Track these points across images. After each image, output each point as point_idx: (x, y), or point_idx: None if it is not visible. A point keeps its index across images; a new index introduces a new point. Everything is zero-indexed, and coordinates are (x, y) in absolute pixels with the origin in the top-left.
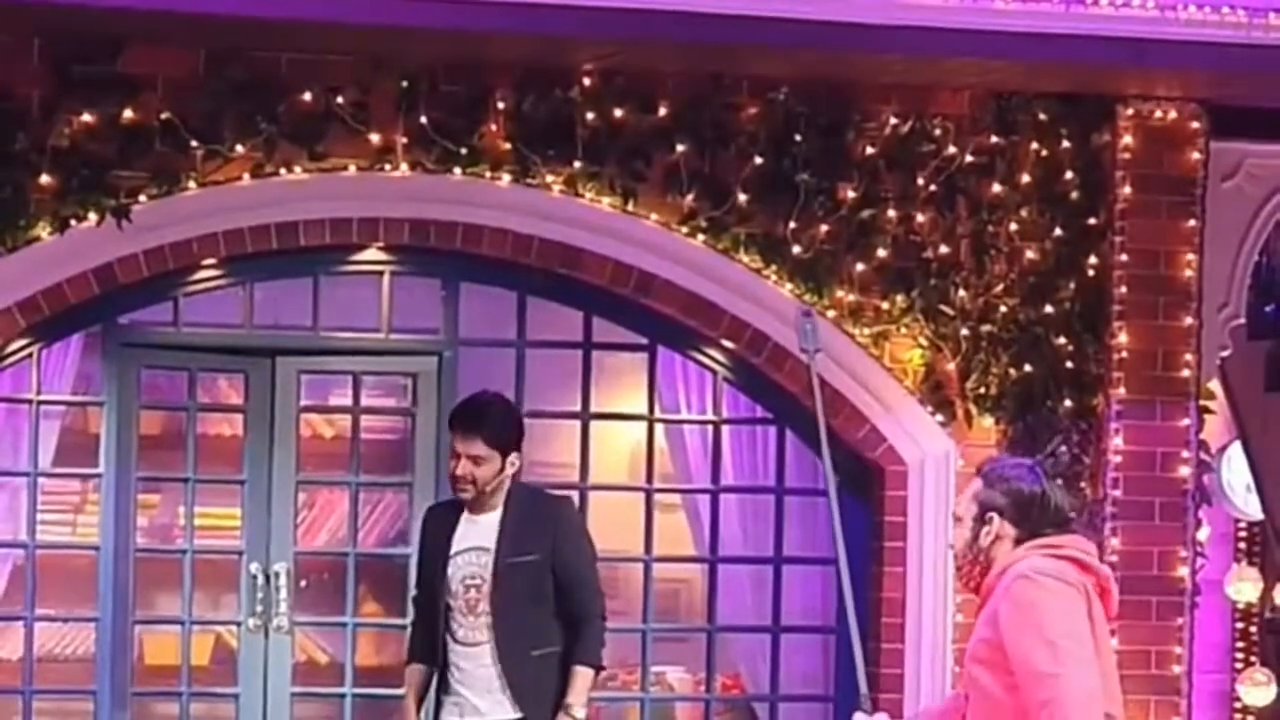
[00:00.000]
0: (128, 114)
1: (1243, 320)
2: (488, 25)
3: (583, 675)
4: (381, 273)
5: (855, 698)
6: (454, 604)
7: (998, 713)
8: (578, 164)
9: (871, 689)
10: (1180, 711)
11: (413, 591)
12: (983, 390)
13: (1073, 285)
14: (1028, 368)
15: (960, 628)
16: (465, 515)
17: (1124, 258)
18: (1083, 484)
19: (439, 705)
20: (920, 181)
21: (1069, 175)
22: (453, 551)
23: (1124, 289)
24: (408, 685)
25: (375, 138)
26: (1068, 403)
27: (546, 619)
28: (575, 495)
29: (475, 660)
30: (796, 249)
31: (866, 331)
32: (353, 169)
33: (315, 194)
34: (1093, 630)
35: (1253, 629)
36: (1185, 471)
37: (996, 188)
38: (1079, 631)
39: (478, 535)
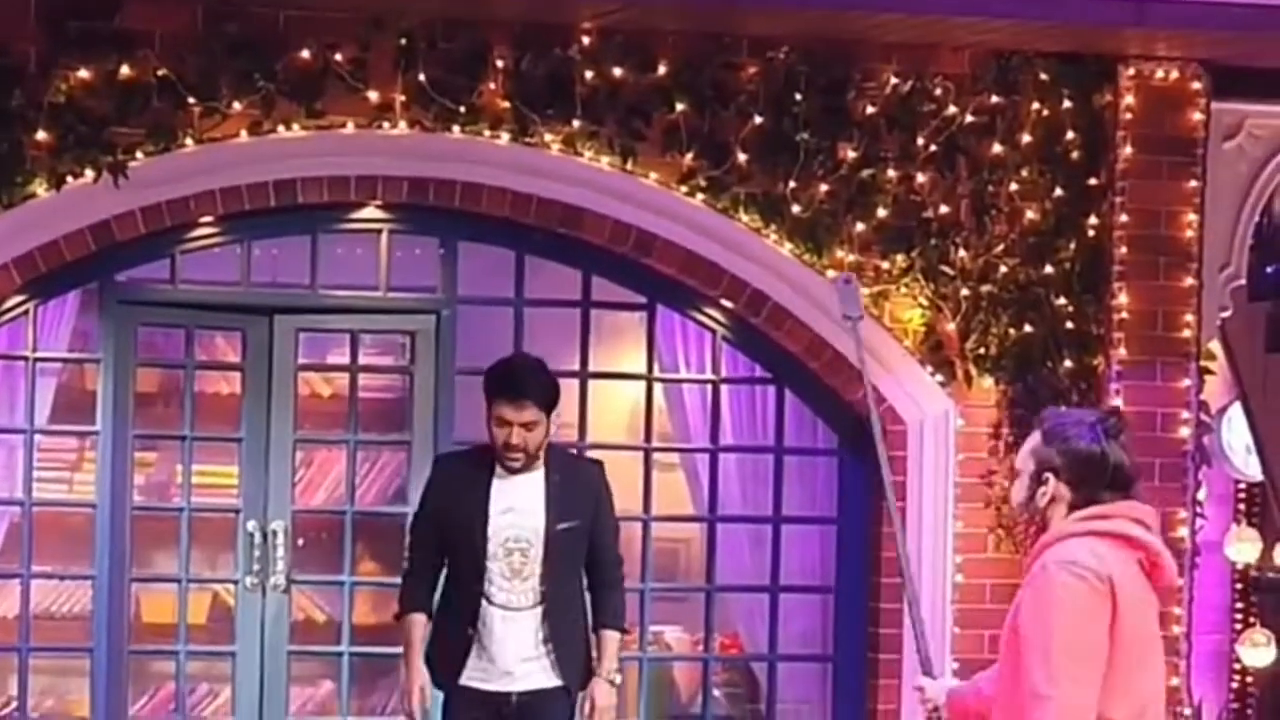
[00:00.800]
0: (125, 70)
1: (1243, 281)
2: None
3: (615, 640)
4: (380, 231)
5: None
6: (493, 566)
7: (1015, 696)
8: (577, 123)
9: (871, 649)
10: (1180, 672)
11: (411, 537)
12: (982, 350)
13: (1073, 245)
14: (1028, 328)
15: (960, 588)
16: (499, 473)
17: (1125, 218)
18: None
19: (454, 666)
20: (920, 141)
21: (1070, 135)
22: (492, 512)
23: (1124, 249)
24: (412, 638)
25: (374, 95)
26: (1068, 363)
27: (580, 585)
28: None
29: (516, 624)
30: (796, 208)
31: (866, 291)
32: (351, 127)
33: (313, 152)
34: (1114, 629)
35: (1252, 590)
36: (1185, 432)
37: (997, 148)
38: (1087, 642)
39: (520, 497)
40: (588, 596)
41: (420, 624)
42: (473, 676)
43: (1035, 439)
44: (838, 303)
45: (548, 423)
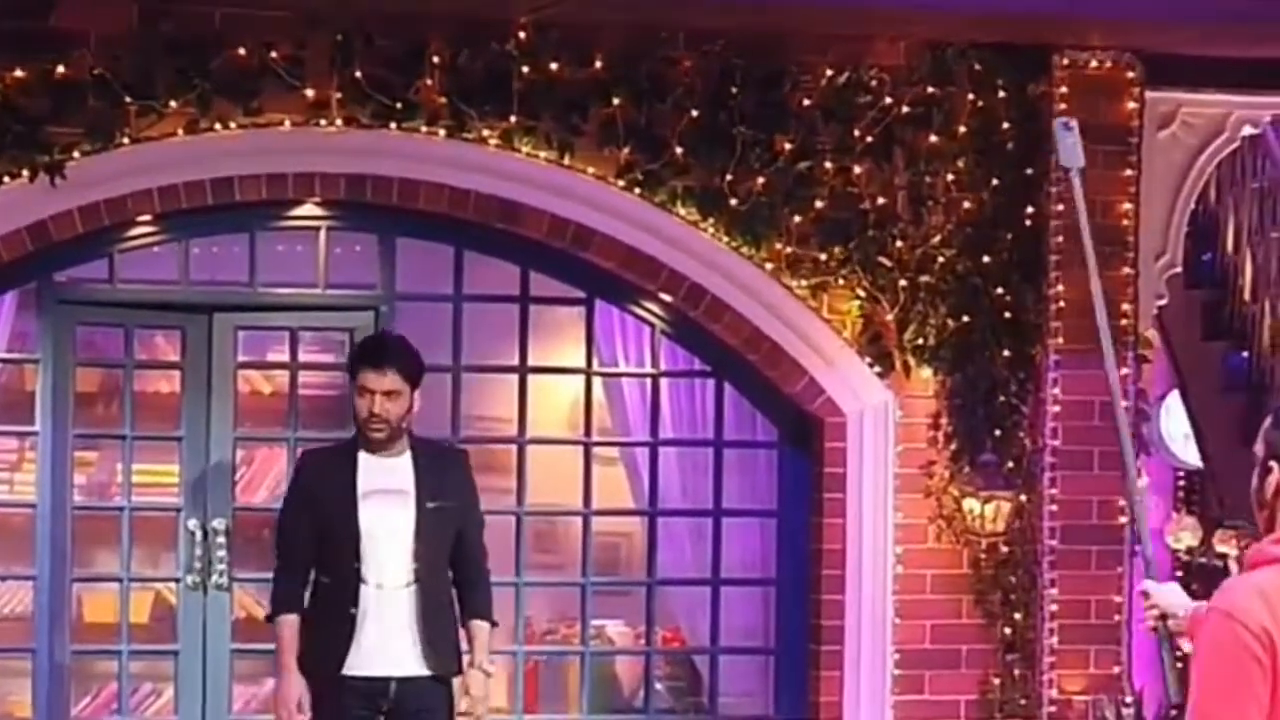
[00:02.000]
0: (60, 70)
1: (1180, 269)
2: None
3: (486, 631)
4: (318, 228)
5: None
6: (367, 545)
7: None
8: (514, 118)
9: (813, 641)
10: (1120, 660)
11: (280, 537)
12: (921, 341)
13: (1010, 235)
14: (966, 318)
15: (900, 579)
16: (366, 457)
17: (1061, 207)
18: (1021, 434)
19: (337, 654)
20: (857, 133)
21: (1005, 125)
22: (362, 493)
23: (1061, 239)
24: (288, 642)
25: (310, 93)
26: (1006, 353)
27: (447, 573)
28: (514, 449)
29: (392, 603)
30: (734, 201)
31: (804, 283)
32: (288, 124)
33: (250, 150)
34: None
35: (1192, 577)
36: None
37: (933, 138)
38: (1234, 713)
39: (390, 478)
40: (453, 591)
41: (294, 625)
42: (352, 665)
43: (1269, 420)
44: (1059, 152)
45: (410, 398)
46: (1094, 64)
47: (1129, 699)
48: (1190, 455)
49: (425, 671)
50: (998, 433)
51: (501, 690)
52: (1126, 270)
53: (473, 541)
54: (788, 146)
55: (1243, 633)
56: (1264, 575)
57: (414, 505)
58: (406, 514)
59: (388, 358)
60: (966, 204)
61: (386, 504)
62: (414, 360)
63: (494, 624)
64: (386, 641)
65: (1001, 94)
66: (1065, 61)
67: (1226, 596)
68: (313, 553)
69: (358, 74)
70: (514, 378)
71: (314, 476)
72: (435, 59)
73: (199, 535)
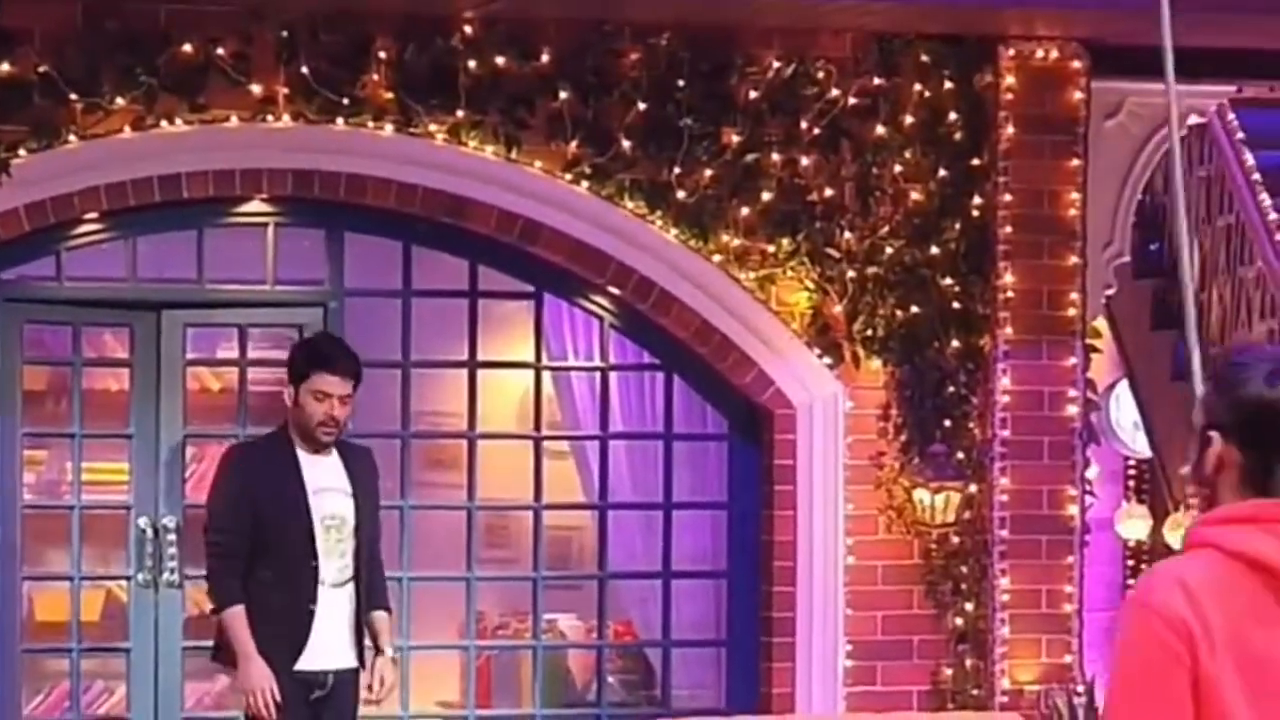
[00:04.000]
0: (5, 67)
1: (1128, 259)
2: None
3: (388, 620)
4: (266, 224)
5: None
6: (321, 545)
7: None
8: (460, 113)
9: (764, 633)
10: (1072, 649)
11: (220, 532)
12: (870, 332)
13: (958, 226)
14: (914, 309)
15: (851, 570)
16: (303, 454)
17: (1008, 198)
18: (971, 424)
19: (294, 649)
20: (804, 125)
21: (952, 116)
22: (312, 491)
23: (1009, 229)
24: (244, 632)
25: (256, 89)
26: (955, 343)
27: None
28: (464, 444)
29: (337, 601)
30: (681, 194)
31: (752, 275)
32: (234, 120)
33: (197, 146)
34: (1213, 685)
35: (1143, 566)
36: (1073, 410)
37: (880, 130)
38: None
39: (329, 475)
40: None
41: (244, 616)
42: (313, 659)
43: (1208, 387)
44: None
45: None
46: (1040, 54)
47: (1080, 688)
48: (1140, 444)
49: (355, 663)
50: (947, 423)
51: (454, 685)
52: (1074, 260)
53: (377, 536)
54: (735, 139)
55: (1158, 625)
56: (1190, 562)
57: (353, 502)
58: (349, 513)
59: (348, 363)
60: (914, 195)
61: (334, 502)
62: (359, 363)
63: (391, 612)
64: (331, 636)
65: (948, 85)
66: (1011, 52)
67: (1144, 584)
68: (248, 550)
69: (304, 69)
70: (463, 372)
71: (254, 473)
72: (381, 54)
73: (150, 533)
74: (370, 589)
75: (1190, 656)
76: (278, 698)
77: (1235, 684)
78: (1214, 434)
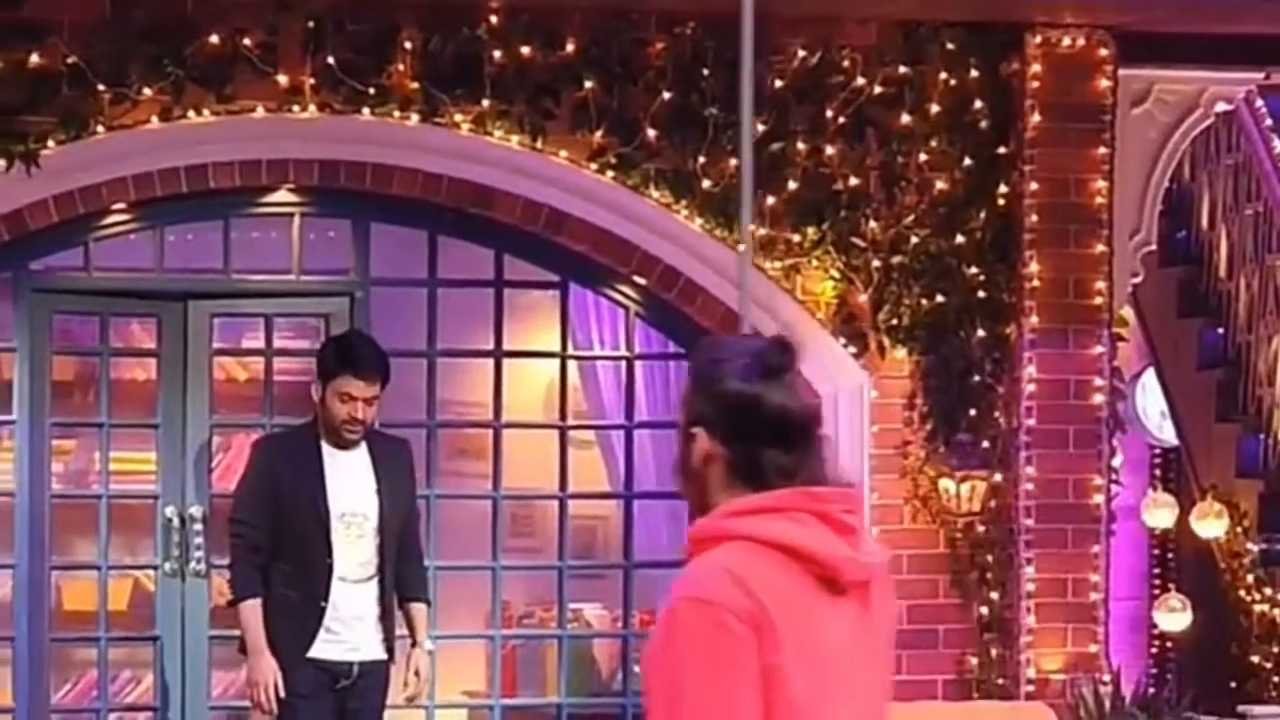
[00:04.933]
0: (34, 59)
1: (1154, 247)
2: None
3: (425, 612)
4: (292, 214)
5: None
6: (336, 540)
7: None
8: (486, 102)
9: None
10: (1097, 638)
11: (241, 523)
12: (895, 322)
13: (983, 215)
14: (940, 298)
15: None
16: (329, 448)
17: (1034, 186)
18: (996, 413)
19: (304, 641)
20: (829, 113)
21: (978, 105)
22: (332, 487)
23: (1035, 217)
24: (257, 625)
25: (283, 79)
26: (980, 332)
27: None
28: (489, 434)
29: (358, 596)
30: (706, 183)
31: (777, 265)
32: (261, 110)
33: (224, 136)
34: (778, 676)
35: (1169, 555)
36: (1099, 399)
37: (905, 118)
38: (727, 701)
39: (353, 471)
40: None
41: (259, 609)
42: (319, 649)
43: (687, 384)
44: None
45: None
46: (1067, 42)
47: (1107, 677)
48: (1166, 433)
49: (383, 655)
50: (973, 412)
51: (479, 674)
52: (1101, 248)
53: (414, 529)
54: (760, 128)
55: (725, 616)
56: (730, 554)
57: (375, 500)
58: (371, 509)
59: (375, 366)
60: (939, 184)
61: (355, 498)
62: (388, 364)
63: (429, 604)
64: (351, 630)
65: (974, 73)
66: (1038, 40)
67: (692, 581)
68: (270, 542)
69: (330, 60)
70: (489, 362)
71: (276, 467)
72: (407, 44)
73: (176, 522)
74: (403, 582)
75: (757, 647)
76: (281, 693)
77: (800, 674)
78: (698, 430)
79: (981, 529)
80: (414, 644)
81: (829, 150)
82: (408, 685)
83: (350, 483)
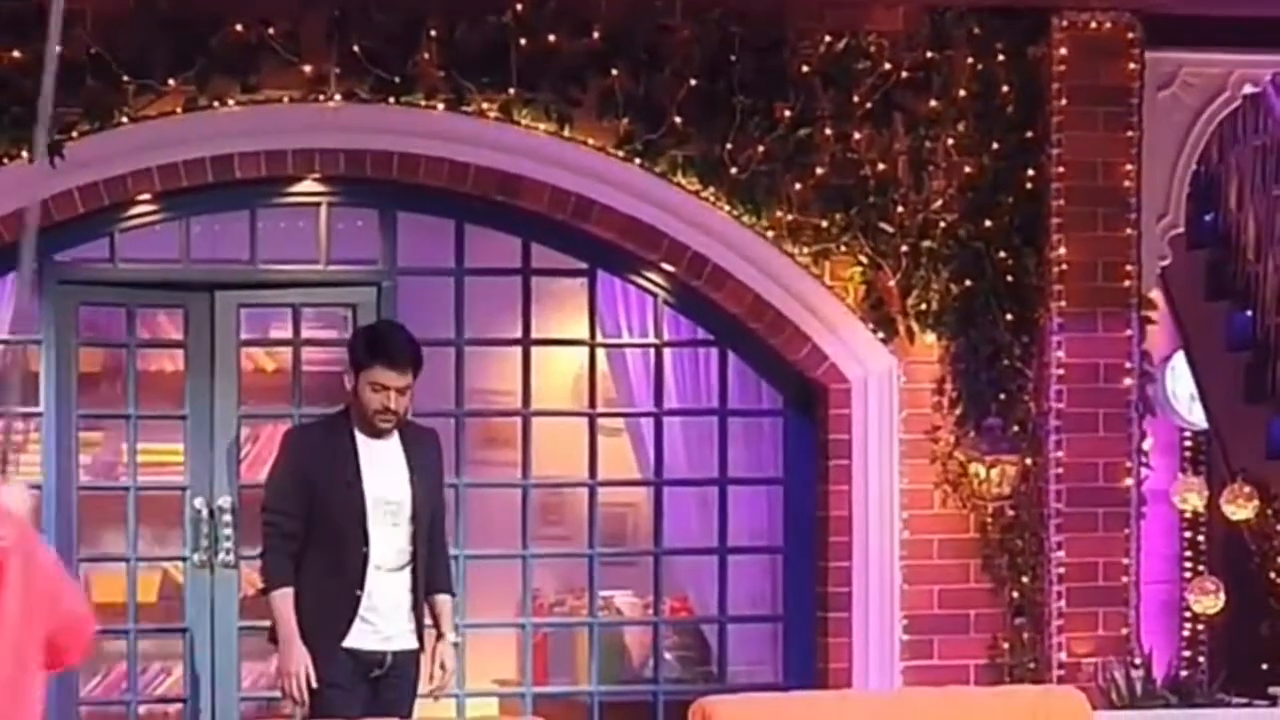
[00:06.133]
0: (58, 49)
1: (1182, 229)
2: None
3: (451, 604)
4: (318, 204)
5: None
6: (372, 529)
7: None
8: (512, 90)
9: (820, 609)
10: (1129, 622)
11: (274, 513)
12: (924, 306)
13: (1011, 199)
14: (968, 283)
15: (906, 544)
16: (363, 438)
17: (1062, 170)
18: (1026, 397)
19: (339, 629)
20: (856, 99)
21: (1005, 89)
22: (366, 476)
23: (1062, 201)
24: (288, 614)
25: (308, 68)
26: (1009, 316)
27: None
28: (518, 422)
29: (392, 584)
30: (734, 170)
31: (806, 250)
32: (286, 100)
33: (249, 127)
34: None
35: (1200, 538)
36: (1128, 382)
37: (933, 103)
38: None
39: (386, 459)
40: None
41: (291, 598)
42: (354, 638)
43: None
44: None
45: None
46: (1094, 25)
47: (1138, 660)
48: (1196, 416)
49: (415, 645)
50: (1002, 396)
51: (510, 663)
52: (1129, 231)
53: (441, 520)
54: (787, 114)
55: None
56: None
57: (409, 488)
58: (405, 497)
59: (408, 357)
60: (967, 168)
61: (390, 486)
62: (420, 353)
63: (454, 596)
64: (386, 619)
65: (1001, 57)
66: (1065, 23)
67: None
68: (303, 531)
69: (355, 48)
70: (517, 350)
71: (310, 456)
72: (433, 32)
73: (205, 513)
74: (431, 572)
75: None
76: (314, 683)
77: None
78: None
79: (1012, 513)
80: (439, 636)
81: (856, 135)
82: (433, 678)
83: (386, 471)
